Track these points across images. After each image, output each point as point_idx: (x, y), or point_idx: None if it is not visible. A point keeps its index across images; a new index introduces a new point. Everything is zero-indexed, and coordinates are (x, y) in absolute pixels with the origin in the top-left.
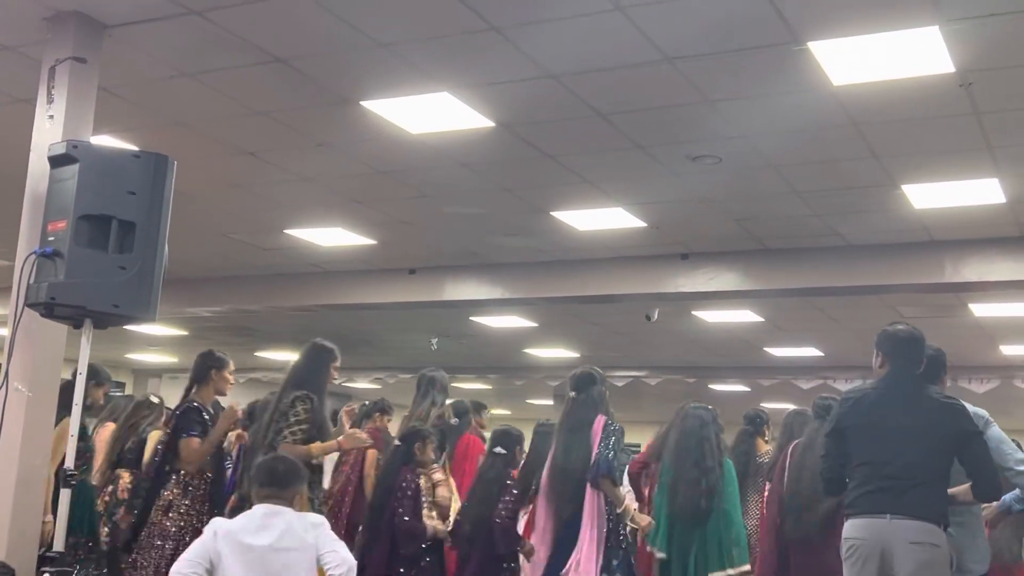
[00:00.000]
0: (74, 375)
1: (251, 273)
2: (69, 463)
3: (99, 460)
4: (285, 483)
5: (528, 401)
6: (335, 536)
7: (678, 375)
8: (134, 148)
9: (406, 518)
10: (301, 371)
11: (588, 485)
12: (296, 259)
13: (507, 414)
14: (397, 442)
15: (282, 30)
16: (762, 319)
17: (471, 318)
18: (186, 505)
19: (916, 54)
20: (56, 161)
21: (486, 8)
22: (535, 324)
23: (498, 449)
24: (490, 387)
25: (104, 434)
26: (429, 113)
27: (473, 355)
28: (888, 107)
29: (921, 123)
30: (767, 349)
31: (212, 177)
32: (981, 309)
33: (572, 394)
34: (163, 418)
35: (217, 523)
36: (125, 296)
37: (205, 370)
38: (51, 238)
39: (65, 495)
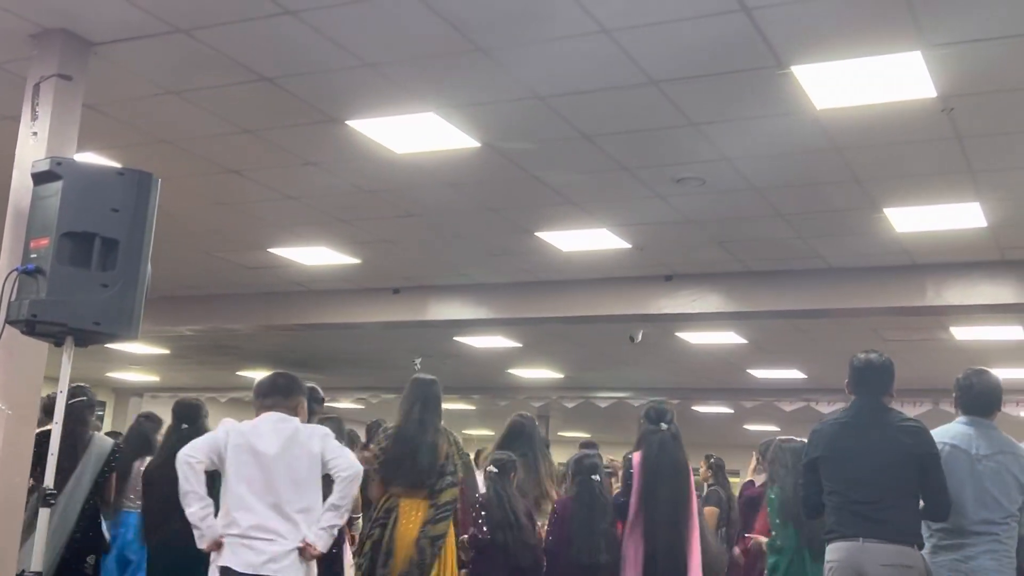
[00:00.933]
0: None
1: (234, 292)
2: (48, 482)
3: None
4: (288, 392)
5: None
6: (341, 444)
7: (662, 396)
8: (118, 165)
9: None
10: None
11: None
12: (280, 278)
13: (490, 434)
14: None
15: (268, 49)
16: (745, 341)
17: (455, 338)
18: None
19: (899, 79)
20: (39, 178)
21: (472, 29)
22: (519, 344)
23: (595, 477)
24: (473, 407)
25: None
26: (415, 133)
27: (457, 375)
28: (871, 131)
29: (903, 147)
30: (750, 371)
31: (197, 195)
32: (963, 332)
33: (665, 426)
34: None
35: (229, 423)
36: (107, 314)
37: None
38: (33, 255)
39: (44, 514)
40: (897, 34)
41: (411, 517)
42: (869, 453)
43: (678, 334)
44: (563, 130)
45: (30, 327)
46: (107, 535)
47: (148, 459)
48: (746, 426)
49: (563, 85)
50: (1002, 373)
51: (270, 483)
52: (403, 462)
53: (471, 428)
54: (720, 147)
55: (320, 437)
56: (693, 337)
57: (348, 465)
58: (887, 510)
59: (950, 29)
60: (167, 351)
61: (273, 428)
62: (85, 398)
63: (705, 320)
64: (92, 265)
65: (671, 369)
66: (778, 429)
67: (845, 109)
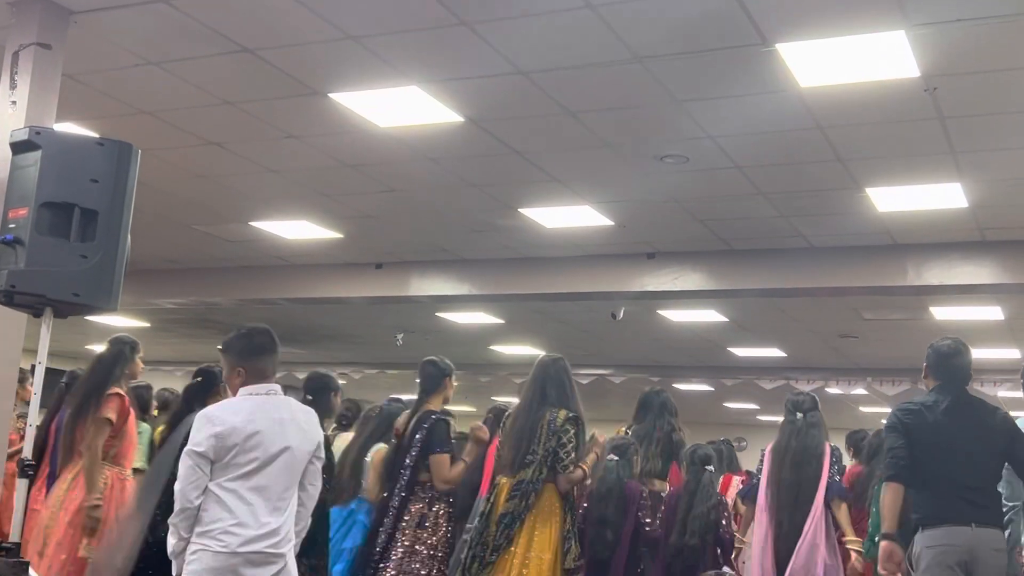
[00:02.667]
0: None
1: (215, 265)
2: (27, 453)
3: (372, 477)
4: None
5: (493, 398)
6: None
7: (643, 374)
8: (98, 136)
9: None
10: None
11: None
12: (261, 252)
13: (472, 411)
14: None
15: (250, 20)
16: (726, 319)
17: (437, 314)
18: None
19: (882, 58)
20: (18, 147)
21: (456, 3)
22: (501, 321)
23: (709, 468)
24: (455, 383)
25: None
26: (397, 107)
27: (439, 351)
28: (853, 110)
29: (886, 127)
30: (731, 349)
31: (177, 167)
32: (942, 312)
33: (800, 416)
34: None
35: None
36: (86, 285)
37: (440, 379)
38: (12, 225)
39: (22, 485)
40: (881, 13)
41: (500, 497)
42: (972, 440)
43: (659, 312)
44: (546, 106)
45: (8, 297)
46: None
47: None
48: (726, 404)
49: (547, 60)
50: (980, 353)
51: None
52: (502, 443)
53: (453, 404)
54: (704, 125)
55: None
56: (674, 315)
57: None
58: (988, 496)
59: (934, 9)
60: (148, 324)
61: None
62: (200, 377)
63: (686, 298)
64: (71, 236)
65: (652, 347)
66: (758, 407)
67: (829, 87)
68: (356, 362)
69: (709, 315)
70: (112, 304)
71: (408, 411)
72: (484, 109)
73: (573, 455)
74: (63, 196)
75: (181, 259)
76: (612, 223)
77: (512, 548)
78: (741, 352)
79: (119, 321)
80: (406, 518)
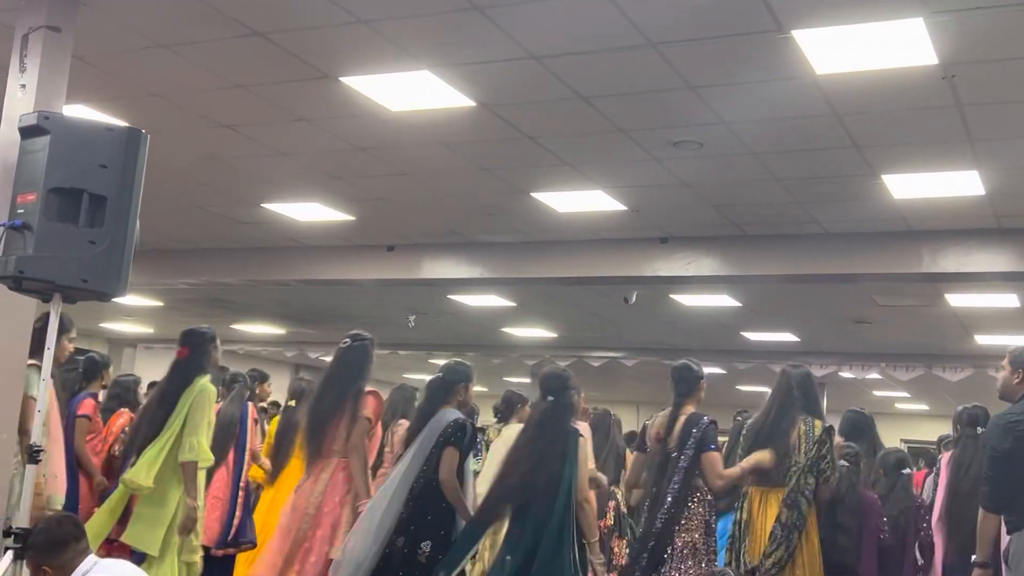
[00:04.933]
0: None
1: (228, 246)
2: (36, 439)
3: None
4: None
5: (505, 379)
6: None
7: (655, 357)
8: (108, 120)
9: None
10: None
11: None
12: (273, 233)
13: (484, 391)
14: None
15: (261, 3)
16: (739, 304)
17: (449, 296)
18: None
19: (900, 45)
20: (27, 132)
21: None
22: (513, 304)
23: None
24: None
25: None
26: (409, 91)
27: (451, 333)
28: (870, 97)
29: (903, 114)
30: (744, 333)
31: (189, 149)
32: (957, 299)
33: (981, 430)
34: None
35: None
36: (95, 271)
37: (695, 382)
38: (20, 210)
39: (30, 471)
40: (899, 0)
41: (754, 505)
42: None
43: (672, 296)
44: (559, 91)
45: (17, 283)
46: None
47: None
48: (739, 387)
49: (560, 46)
50: (995, 340)
51: None
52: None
53: None
54: (718, 111)
55: None
56: (687, 299)
57: None
58: None
59: None
60: (161, 303)
61: None
62: (440, 376)
63: (699, 283)
64: (80, 221)
65: (664, 330)
66: (769, 391)
67: (845, 75)
68: None
69: (722, 300)
70: (121, 290)
71: (664, 414)
72: (496, 94)
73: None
74: (72, 181)
75: (194, 240)
76: (625, 208)
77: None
78: (754, 336)
79: (134, 301)
80: (683, 520)
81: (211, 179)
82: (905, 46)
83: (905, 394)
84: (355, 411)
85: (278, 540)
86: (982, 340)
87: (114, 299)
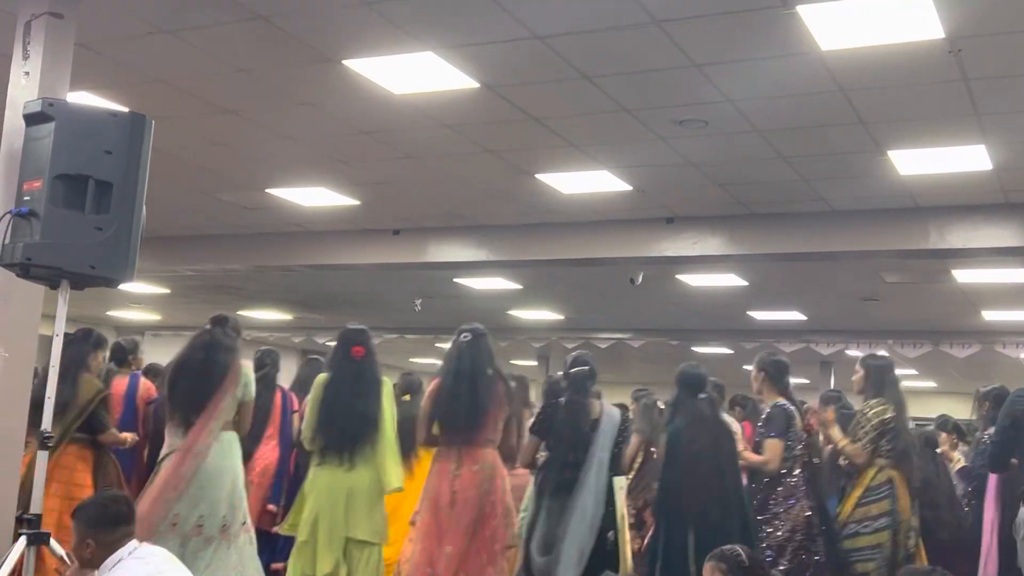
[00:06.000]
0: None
1: (234, 232)
2: (46, 425)
3: None
4: None
5: (512, 362)
6: None
7: (661, 337)
8: (113, 106)
9: None
10: None
11: None
12: (279, 219)
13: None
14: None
15: None
16: (746, 283)
17: (455, 279)
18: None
19: (906, 19)
20: (31, 119)
21: None
22: (519, 286)
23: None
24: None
25: None
26: (413, 73)
27: (457, 316)
28: (876, 72)
29: (909, 89)
30: (750, 313)
31: (193, 135)
32: (964, 275)
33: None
34: None
35: None
36: (102, 257)
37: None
38: (27, 197)
39: (41, 457)
40: None
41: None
42: None
43: (678, 276)
44: (563, 71)
45: (24, 270)
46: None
47: None
48: (746, 366)
49: (563, 25)
50: (1002, 315)
51: None
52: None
53: None
54: (723, 88)
55: None
56: (693, 279)
57: None
58: None
59: None
60: (168, 290)
61: None
62: (588, 367)
63: (706, 263)
64: (86, 208)
65: (671, 311)
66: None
67: (851, 50)
68: (376, 327)
69: (729, 279)
70: (128, 276)
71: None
72: (500, 75)
73: None
74: (77, 168)
75: (199, 226)
76: (630, 188)
77: None
78: (761, 316)
79: (141, 288)
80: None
81: (215, 165)
82: (911, 20)
83: (912, 371)
84: (501, 402)
85: (453, 533)
86: (989, 316)
87: (121, 286)
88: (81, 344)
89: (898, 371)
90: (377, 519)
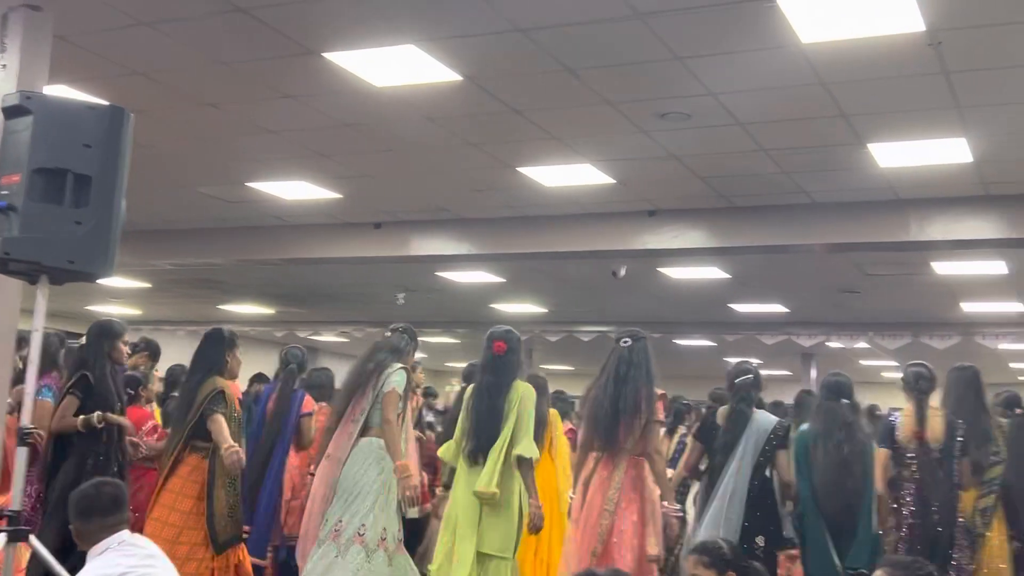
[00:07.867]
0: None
1: (214, 226)
2: (25, 420)
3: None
4: None
5: None
6: None
7: (643, 330)
8: (91, 99)
9: None
10: None
11: None
12: (260, 212)
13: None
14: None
15: None
16: (728, 276)
17: (437, 273)
18: None
19: (886, 12)
20: (9, 112)
21: None
22: (502, 279)
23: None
24: (458, 341)
25: None
26: (394, 66)
27: (440, 310)
28: (857, 65)
29: (889, 82)
30: (732, 305)
31: (173, 128)
32: (943, 267)
33: (1020, 411)
34: None
35: None
36: (81, 252)
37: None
38: (4, 191)
39: (21, 452)
40: None
41: None
42: None
43: (661, 269)
44: (546, 63)
45: (3, 265)
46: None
47: None
48: (727, 359)
49: (546, 17)
50: (981, 307)
51: None
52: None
53: (455, 361)
54: (705, 82)
55: None
56: (676, 272)
57: None
58: None
59: None
60: (148, 285)
61: None
62: (751, 376)
63: (688, 255)
64: (65, 202)
65: (654, 303)
66: (760, 362)
67: (831, 43)
68: (358, 321)
69: (711, 272)
70: (108, 270)
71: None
72: (482, 67)
73: None
74: (56, 162)
75: (180, 220)
76: (613, 181)
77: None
78: (742, 308)
79: (121, 283)
80: None
81: (195, 158)
82: (891, 13)
83: (892, 363)
84: (651, 414)
85: (581, 537)
86: (968, 308)
87: (101, 280)
88: (218, 345)
89: (877, 362)
90: (508, 531)
